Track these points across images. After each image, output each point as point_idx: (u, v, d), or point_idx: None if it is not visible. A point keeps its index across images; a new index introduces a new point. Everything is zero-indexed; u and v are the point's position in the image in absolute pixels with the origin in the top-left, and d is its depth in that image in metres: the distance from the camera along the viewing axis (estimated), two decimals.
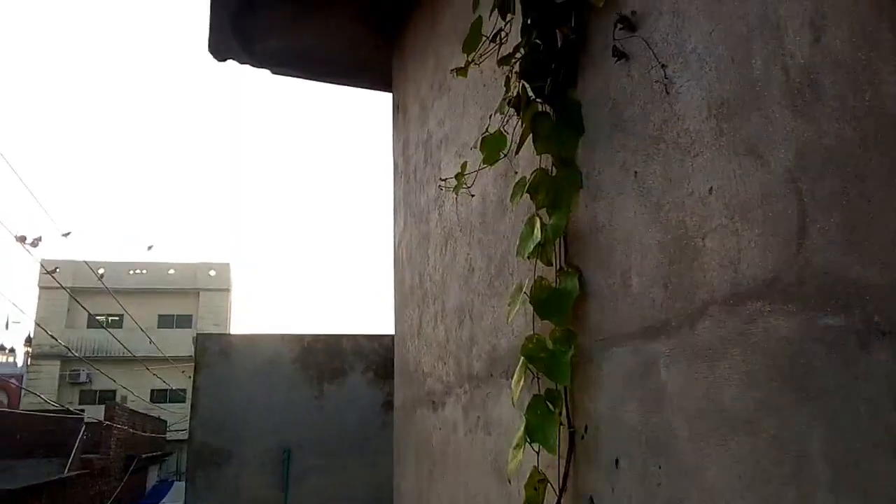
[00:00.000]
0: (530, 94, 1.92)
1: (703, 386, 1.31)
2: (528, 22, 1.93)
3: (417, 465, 3.10)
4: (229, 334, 10.25)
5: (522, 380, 1.82)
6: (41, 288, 33.63)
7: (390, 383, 3.88)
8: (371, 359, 6.55)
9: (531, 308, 1.81)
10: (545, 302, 1.78)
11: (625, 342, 1.56)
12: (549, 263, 1.84)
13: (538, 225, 1.84)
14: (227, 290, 38.35)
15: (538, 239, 1.82)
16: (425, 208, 3.15)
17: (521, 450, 1.76)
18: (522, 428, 1.76)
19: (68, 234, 13.98)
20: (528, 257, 1.87)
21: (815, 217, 1.10)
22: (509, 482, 1.97)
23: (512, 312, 1.94)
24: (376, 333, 6.67)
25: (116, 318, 31.72)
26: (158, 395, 32.26)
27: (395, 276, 3.69)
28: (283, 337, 6.69)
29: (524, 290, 1.88)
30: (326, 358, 6.57)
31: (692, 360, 1.35)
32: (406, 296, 3.43)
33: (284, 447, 6.35)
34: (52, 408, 22.18)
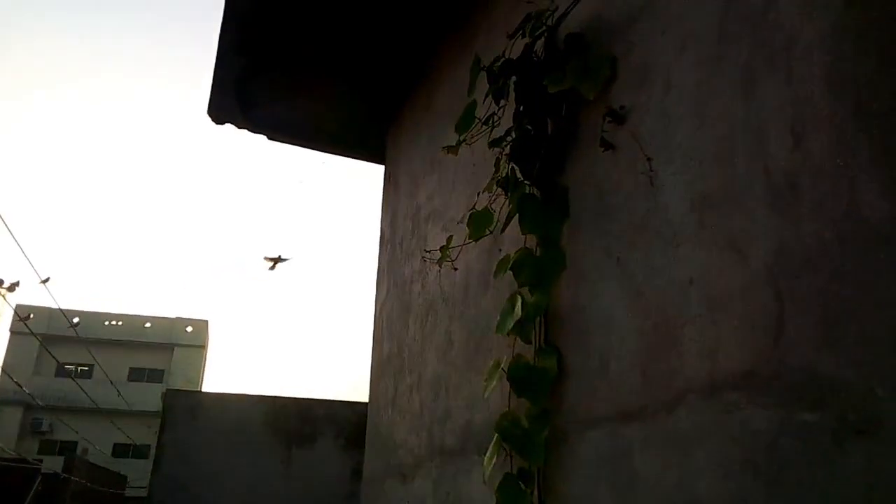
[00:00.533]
0: (519, 175, 1.96)
1: (677, 474, 1.31)
2: (521, 109, 2.00)
3: None
4: (200, 392, 10.04)
5: (495, 457, 1.81)
6: (12, 333, 32.94)
7: (361, 452, 3.81)
8: (343, 426, 6.43)
9: (508, 385, 1.81)
10: (522, 380, 1.78)
11: (600, 425, 1.56)
12: (528, 341, 1.85)
13: (519, 302, 1.85)
14: (203, 347, 37.66)
15: (518, 316, 1.84)
16: (409, 279, 3.16)
17: None
18: None
19: (47, 279, 13.73)
20: (508, 334, 1.88)
21: (792, 313, 1.12)
22: None
23: (489, 388, 1.94)
24: (350, 400, 6.59)
25: (86, 367, 31.03)
26: (121, 450, 31.30)
27: (373, 343, 3.67)
28: (255, 398, 6.59)
29: (502, 366, 1.88)
30: (298, 422, 6.45)
31: (667, 447, 1.35)
32: (383, 364, 3.41)
33: None
34: (8, 456, 21.45)
